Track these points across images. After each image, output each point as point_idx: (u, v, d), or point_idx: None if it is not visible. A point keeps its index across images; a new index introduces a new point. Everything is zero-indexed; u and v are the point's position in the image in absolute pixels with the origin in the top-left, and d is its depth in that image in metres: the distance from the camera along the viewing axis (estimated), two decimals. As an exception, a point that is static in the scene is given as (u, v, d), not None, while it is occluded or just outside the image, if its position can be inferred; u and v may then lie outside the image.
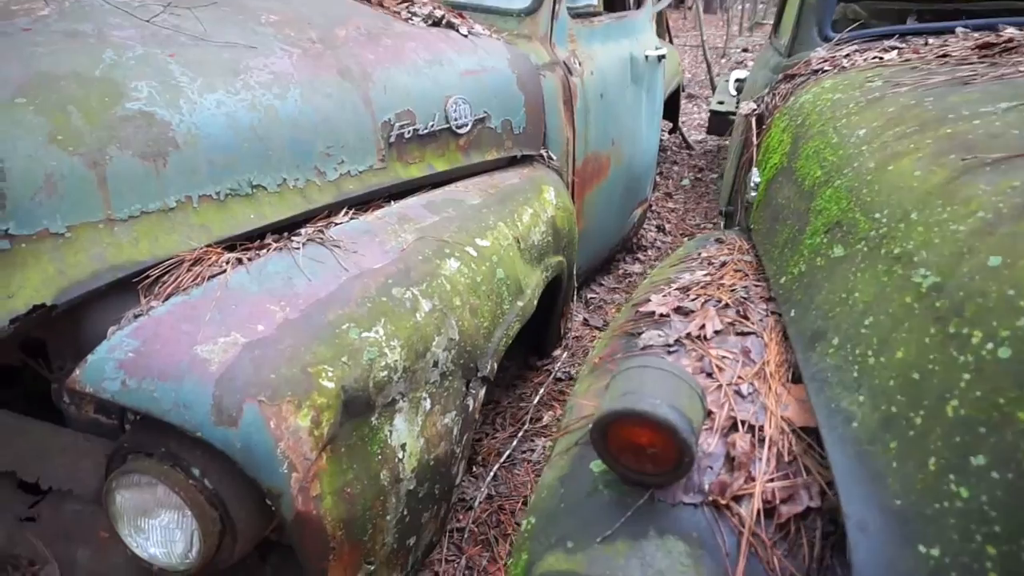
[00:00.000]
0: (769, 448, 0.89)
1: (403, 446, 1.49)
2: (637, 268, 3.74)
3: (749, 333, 1.14)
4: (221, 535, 1.28)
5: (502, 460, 2.25)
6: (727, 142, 6.17)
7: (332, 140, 1.74)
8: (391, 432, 1.46)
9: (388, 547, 1.51)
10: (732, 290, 1.30)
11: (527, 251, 2.05)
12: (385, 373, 1.42)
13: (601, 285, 3.50)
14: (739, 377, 1.02)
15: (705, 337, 1.15)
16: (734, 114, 4.10)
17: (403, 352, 1.46)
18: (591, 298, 3.37)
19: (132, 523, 1.30)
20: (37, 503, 1.57)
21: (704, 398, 0.88)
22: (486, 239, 1.86)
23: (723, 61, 10.73)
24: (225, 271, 1.41)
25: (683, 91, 5.81)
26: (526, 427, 2.41)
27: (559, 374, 2.71)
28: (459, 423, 1.69)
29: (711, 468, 0.90)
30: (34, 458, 1.54)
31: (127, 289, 1.38)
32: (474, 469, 2.22)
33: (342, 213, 1.73)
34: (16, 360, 1.30)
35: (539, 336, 2.67)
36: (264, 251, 1.51)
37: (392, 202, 1.88)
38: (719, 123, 4.34)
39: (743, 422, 0.93)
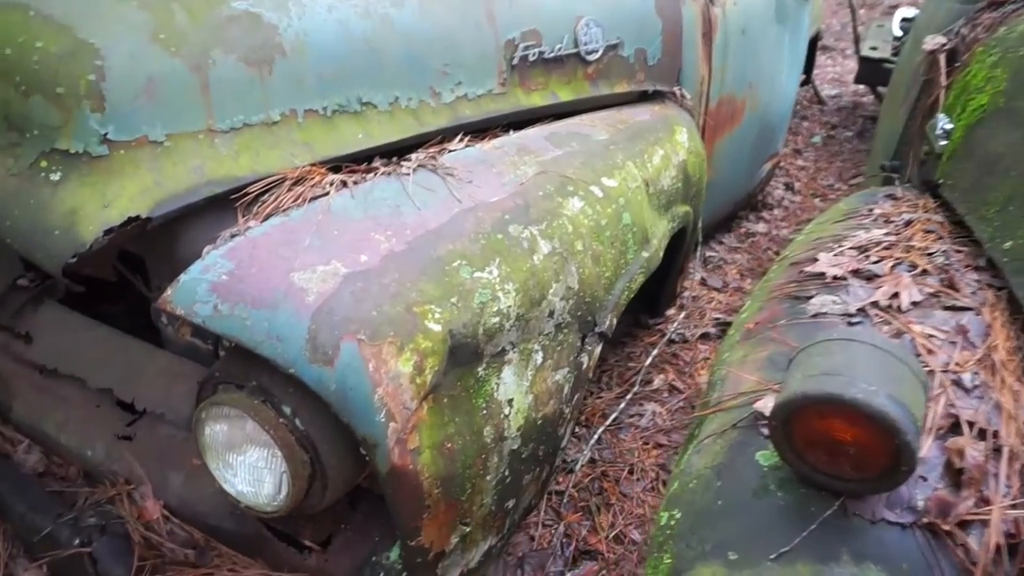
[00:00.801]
0: (1010, 462, 0.66)
1: (510, 401, 1.34)
2: (761, 228, 3.42)
3: (963, 308, 0.90)
4: (311, 479, 1.17)
5: (607, 423, 2.08)
6: (864, 98, 5.58)
7: (450, 57, 1.56)
8: (498, 385, 1.31)
9: (485, 508, 1.37)
10: (928, 254, 1.05)
11: (655, 196, 1.83)
12: (497, 319, 1.25)
13: (721, 243, 3.21)
14: (957, 364, 0.79)
15: (900, 308, 0.92)
16: (890, 61, 3.63)
17: (517, 297, 1.29)
18: (710, 256, 3.10)
19: (220, 457, 1.22)
20: (134, 422, 1.53)
21: (928, 388, 0.66)
22: (613, 179, 1.65)
23: (862, 12, 9.77)
24: (328, 193, 1.27)
25: (820, 40, 5.26)
26: (635, 389, 2.22)
27: (673, 335, 2.49)
28: (571, 381, 1.52)
29: (924, 480, 0.68)
30: (131, 377, 1.49)
31: (225, 206, 1.27)
32: (576, 430, 2.06)
33: (456, 140, 1.56)
34: (114, 275, 1.23)
35: (654, 292, 2.44)
36: (371, 175, 1.37)
37: (511, 131, 1.69)
38: (871, 72, 3.86)
39: (970, 423, 0.70)
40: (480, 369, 1.27)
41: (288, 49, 1.34)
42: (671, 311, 2.60)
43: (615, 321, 1.61)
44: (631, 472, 1.91)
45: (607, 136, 1.78)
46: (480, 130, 1.65)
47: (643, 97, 2.12)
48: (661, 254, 1.82)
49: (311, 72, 1.37)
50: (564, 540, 1.72)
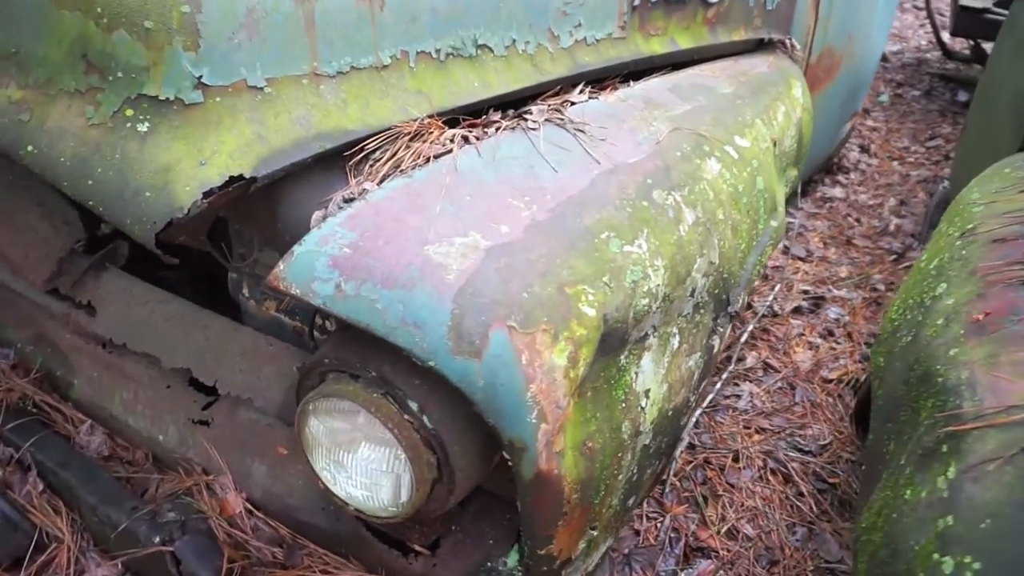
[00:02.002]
0: None
1: (647, 392, 1.17)
2: (839, 192, 3.20)
3: None
4: (434, 482, 1.02)
5: (704, 405, 1.92)
6: (929, 54, 5.26)
7: (570, -5, 1.36)
8: (637, 375, 1.14)
9: (612, 509, 1.22)
10: None
11: (779, 158, 1.63)
12: (646, 301, 1.08)
13: (800, 209, 3.01)
14: None
15: None
16: (989, 11, 3.35)
17: (666, 275, 1.12)
18: (789, 223, 2.90)
19: (329, 456, 1.06)
20: (211, 405, 1.39)
21: None
22: (745, 138, 1.46)
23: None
24: (451, 151, 1.09)
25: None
26: (730, 368, 2.05)
27: (763, 310, 2.31)
28: (700, 367, 1.35)
29: None
30: (206, 356, 1.34)
31: (330, 164, 1.09)
32: (672, 413, 1.90)
33: (577, 90, 1.36)
34: (197, 243, 1.07)
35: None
36: (492, 129, 1.18)
37: (631, 82, 1.49)
38: (970, 22, 3.58)
39: None
40: (622, 357, 1.10)
41: (404, -20, 1.14)
42: (756, 282, 2.42)
43: (746, 299, 1.44)
44: (736, 459, 1.76)
45: (731, 89, 1.57)
46: (598, 80, 1.45)
47: (757, 46, 1.90)
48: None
49: (426, 7, 1.17)
50: (672, 535, 1.57)
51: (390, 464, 1.02)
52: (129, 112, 1.01)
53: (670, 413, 1.27)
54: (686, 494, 1.68)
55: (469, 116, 1.23)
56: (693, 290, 1.22)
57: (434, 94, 1.18)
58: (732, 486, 1.68)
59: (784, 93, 1.76)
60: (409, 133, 1.11)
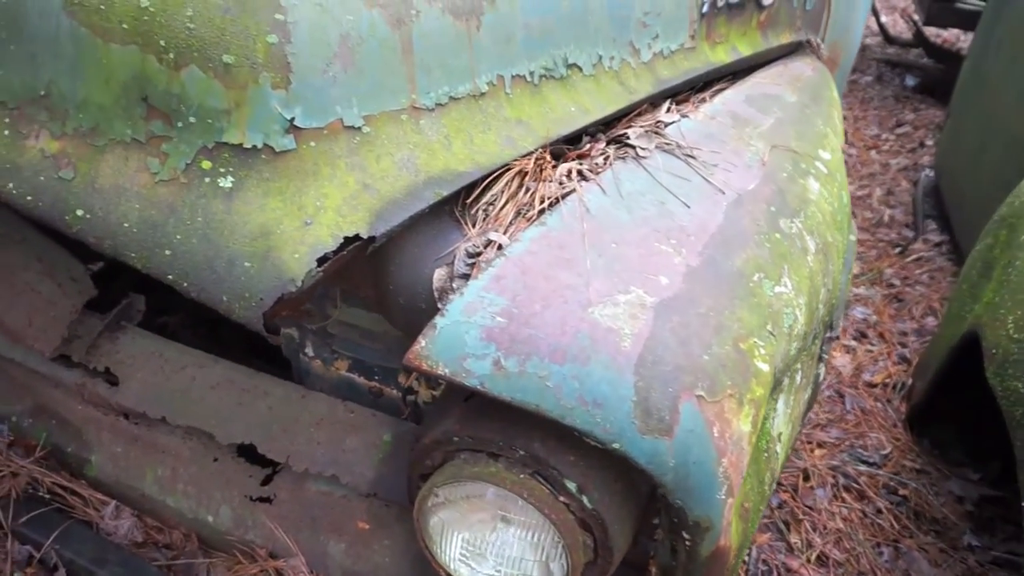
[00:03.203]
0: None
1: (779, 436, 1.08)
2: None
3: None
4: (587, 565, 0.91)
5: (758, 422, 1.85)
6: (868, 39, 5.40)
7: (652, 3, 1.24)
8: (773, 419, 1.05)
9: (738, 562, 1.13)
10: None
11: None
12: (797, 344, 0.99)
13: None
14: None
15: None
16: (964, 1, 3.41)
17: (805, 312, 1.03)
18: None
19: (463, 544, 0.93)
20: (271, 479, 1.21)
21: None
22: (826, 150, 1.38)
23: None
24: (574, 190, 0.96)
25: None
26: (774, 381, 1.99)
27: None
28: (808, 398, 1.27)
29: None
30: (279, 430, 1.17)
31: (436, 210, 0.95)
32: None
33: (664, 109, 1.25)
34: (296, 313, 0.91)
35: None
36: (601, 159, 1.06)
37: (705, 95, 1.39)
38: (944, 12, 3.63)
39: None
40: (767, 404, 1.01)
41: (496, -6, 1.00)
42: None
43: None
44: (806, 478, 1.70)
45: (796, 98, 1.50)
46: (674, 94, 1.34)
47: (793, 49, 1.84)
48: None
49: (520, 25, 1.04)
50: (763, 568, 1.50)
51: (541, 551, 0.90)
52: (206, 164, 0.84)
53: (787, 452, 1.19)
54: (766, 520, 1.61)
55: (568, 144, 1.10)
56: (818, 322, 1.14)
57: (534, 122, 1.04)
58: (810, 508, 1.62)
59: (831, 97, 1.70)
60: (519, 170, 0.97)
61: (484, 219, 0.93)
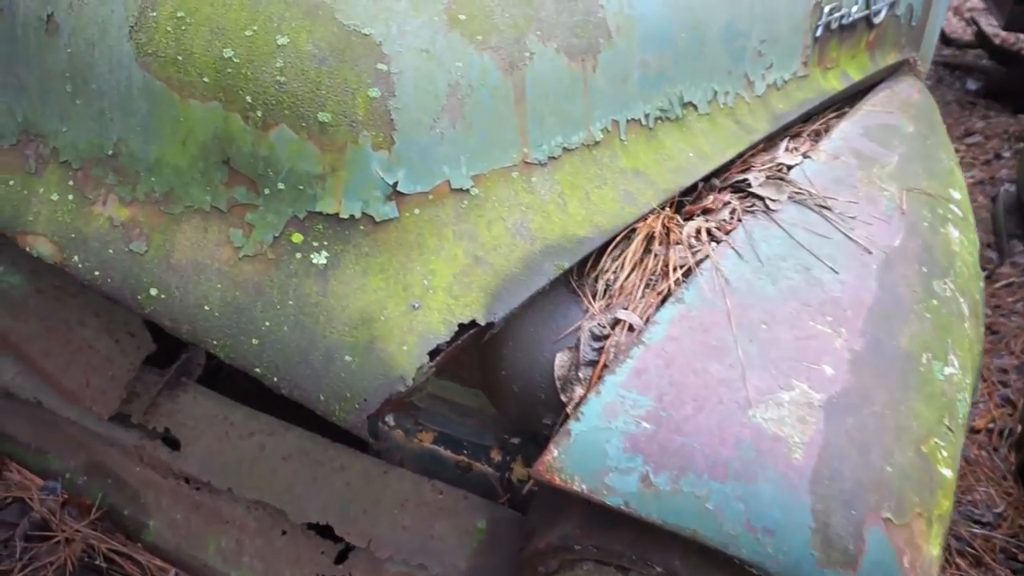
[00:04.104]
0: None
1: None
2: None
3: None
4: None
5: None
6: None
7: (767, 29, 1.11)
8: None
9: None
10: None
11: (961, 201, 1.42)
12: (963, 437, 0.85)
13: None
14: None
15: None
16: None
17: (970, 392, 0.89)
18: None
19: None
20: (346, 556, 1.10)
21: None
22: (955, 188, 1.24)
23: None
24: (707, 256, 0.84)
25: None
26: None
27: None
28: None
29: None
30: (358, 510, 1.06)
31: (552, 281, 0.83)
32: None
33: (783, 148, 1.12)
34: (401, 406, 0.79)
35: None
36: (727, 213, 0.93)
37: (814, 126, 1.25)
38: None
39: None
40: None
41: (614, 29, 0.88)
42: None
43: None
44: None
45: (913, 128, 1.35)
46: (786, 128, 1.21)
47: (895, 69, 1.68)
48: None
49: (637, 63, 0.91)
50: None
51: None
52: (297, 238, 0.73)
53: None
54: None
55: (686, 195, 0.97)
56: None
57: (651, 172, 0.92)
58: (921, 577, 1.46)
59: (940, 122, 1.55)
60: (644, 232, 0.85)
61: (607, 292, 0.81)
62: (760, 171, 1.03)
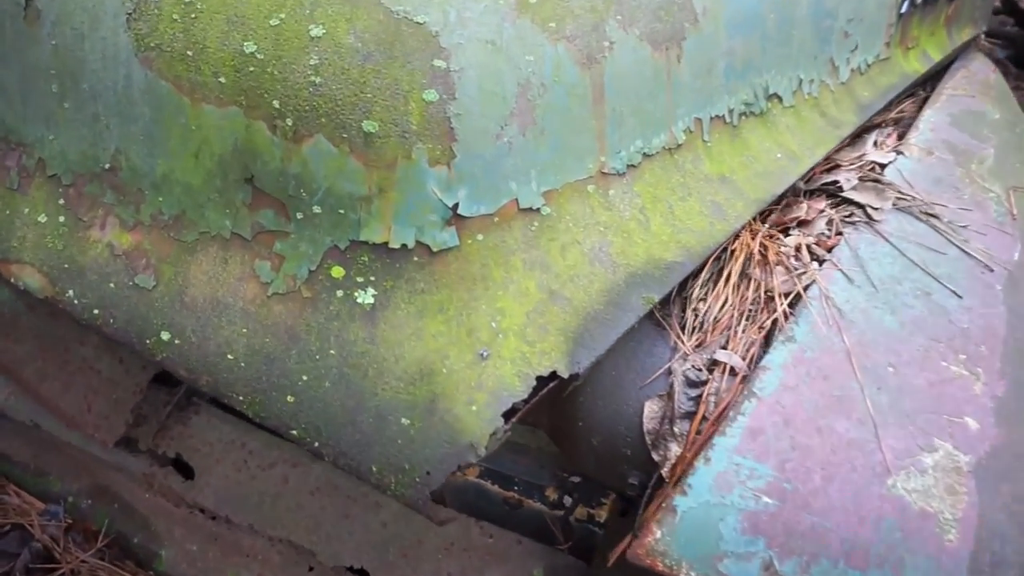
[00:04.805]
0: None
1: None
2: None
3: None
4: None
5: None
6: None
7: (855, 6, 0.97)
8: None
9: None
10: None
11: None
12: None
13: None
14: None
15: None
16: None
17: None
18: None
19: None
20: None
21: None
22: (1052, 184, 1.11)
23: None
24: (813, 281, 0.71)
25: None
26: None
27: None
28: None
29: None
30: (396, 553, 0.95)
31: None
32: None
33: (870, 142, 0.99)
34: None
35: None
36: (824, 224, 0.81)
37: (893, 113, 1.12)
38: None
39: None
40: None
41: (700, 11, 0.74)
42: None
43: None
44: None
45: (999, 114, 1.21)
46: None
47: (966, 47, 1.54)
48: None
49: (723, 51, 0.78)
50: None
51: None
52: (337, 272, 0.60)
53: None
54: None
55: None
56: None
57: (738, 178, 0.79)
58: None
59: (1017, 104, 1.41)
60: (740, 254, 0.73)
61: (698, 325, 0.69)
62: (850, 171, 0.90)
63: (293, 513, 1.00)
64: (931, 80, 1.29)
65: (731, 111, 0.81)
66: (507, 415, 0.57)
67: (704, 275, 0.72)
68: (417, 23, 0.59)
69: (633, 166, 0.71)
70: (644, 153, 0.72)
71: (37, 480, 1.27)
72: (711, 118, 0.79)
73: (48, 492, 1.25)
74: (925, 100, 1.19)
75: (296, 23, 0.58)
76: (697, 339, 0.67)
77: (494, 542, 0.91)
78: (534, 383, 0.58)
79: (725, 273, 0.71)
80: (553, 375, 0.59)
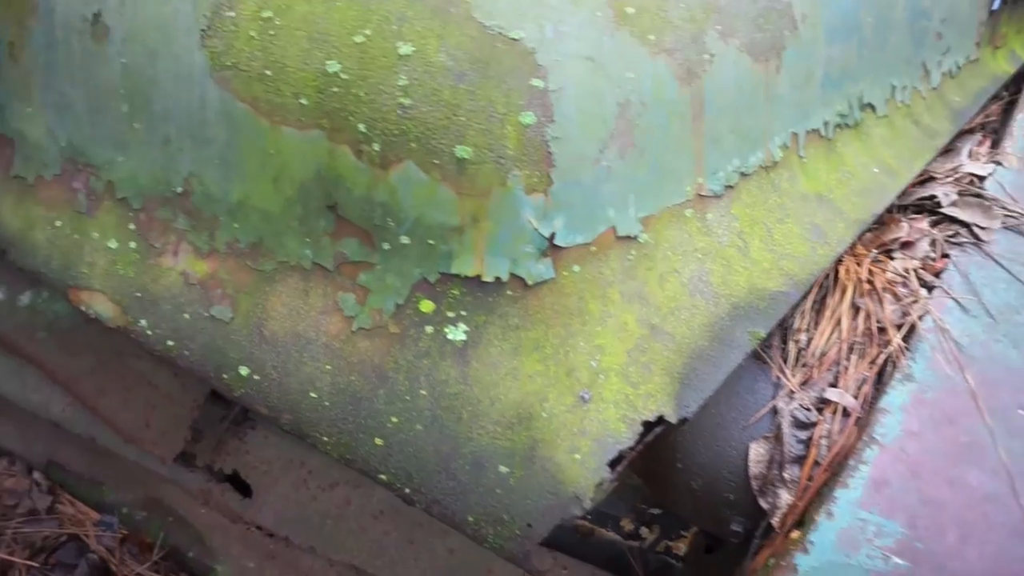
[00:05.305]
0: None
1: None
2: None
3: None
4: None
5: None
6: None
7: (948, 6, 0.91)
8: None
9: None
10: None
11: None
12: None
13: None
14: None
15: None
16: None
17: None
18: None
19: None
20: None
21: None
22: None
23: None
24: (927, 311, 0.66)
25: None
26: None
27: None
28: None
29: None
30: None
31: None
32: None
33: (965, 152, 0.93)
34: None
35: None
36: (927, 244, 0.75)
37: (982, 119, 1.06)
38: None
39: None
40: None
41: (799, 17, 0.69)
42: None
43: None
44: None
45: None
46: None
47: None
48: None
49: (821, 59, 0.73)
50: None
51: None
52: (427, 306, 0.57)
53: None
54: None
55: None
56: None
57: (836, 196, 0.74)
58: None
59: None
60: (845, 279, 0.68)
61: (801, 359, 0.64)
62: (946, 184, 0.84)
63: (355, 536, 0.97)
64: (1014, 81, 1.22)
65: (826, 124, 0.76)
66: (613, 463, 0.53)
67: (804, 303, 0.67)
68: (512, 39, 0.54)
69: (730, 187, 0.66)
70: (741, 172, 0.67)
71: (91, 490, 1.26)
72: (806, 132, 0.74)
73: (102, 502, 1.25)
74: (1011, 103, 1.13)
75: (383, 40, 0.54)
76: (803, 375, 0.63)
77: (568, 573, 0.87)
78: (640, 428, 0.54)
79: (829, 302, 0.66)
80: (660, 420, 0.55)
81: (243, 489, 1.09)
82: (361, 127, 0.54)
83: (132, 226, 0.65)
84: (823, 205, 0.72)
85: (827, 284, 0.68)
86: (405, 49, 0.54)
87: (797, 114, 0.72)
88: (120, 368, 1.06)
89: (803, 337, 0.66)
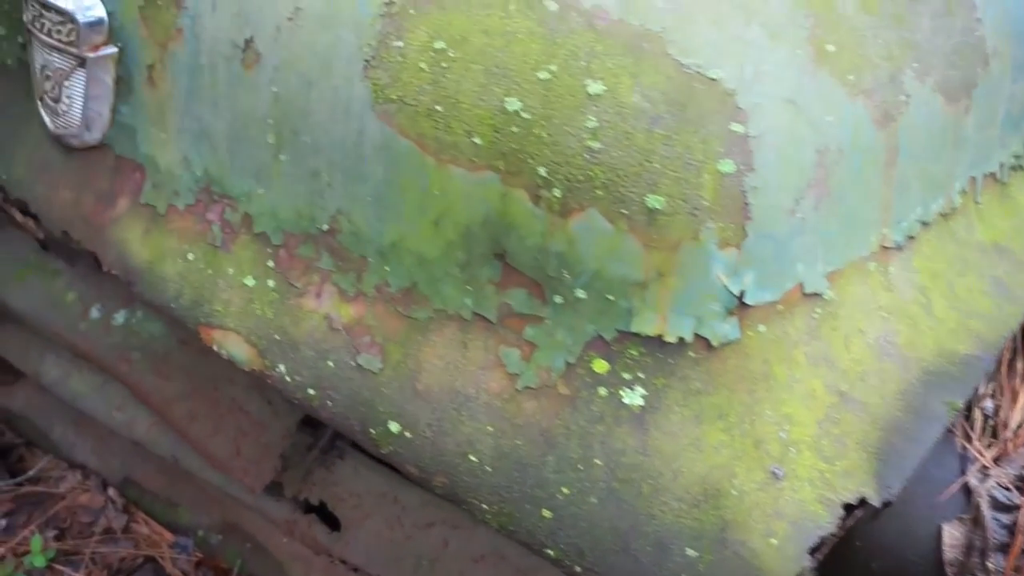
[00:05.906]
0: None
1: None
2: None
3: None
4: None
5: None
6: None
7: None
8: None
9: None
10: None
11: None
12: None
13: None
14: None
15: None
16: None
17: None
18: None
19: None
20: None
21: None
22: None
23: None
24: None
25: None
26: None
27: None
28: None
29: None
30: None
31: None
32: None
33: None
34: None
35: None
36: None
37: None
38: None
39: None
40: None
41: (991, 51, 0.64)
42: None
43: None
44: None
45: None
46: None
47: None
48: None
49: (1005, 95, 0.67)
50: None
51: None
52: (600, 366, 0.52)
53: None
54: None
55: None
56: None
57: (1014, 246, 0.68)
58: None
59: None
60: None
61: (989, 428, 0.58)
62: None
63: (431, 566, 0.93)
64: None
65: (1002, 166, 0.70)
66: (813, 550, 0.48)
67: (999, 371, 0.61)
68: (711, 79, 0.50)
69: (912, 237, 0.61)
70: (921, 221, 0.62)
71: (167, 510, 1.24)
72: (984, 176, 0.68)
73: (177, 523, 1.23)
74: None
75: (570, 77, 0.50)
76: (996, 450, 0.57)
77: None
78: (841, 511, 0.49)
79: (1018, 366, 0.60)
80: (862, 501, 0.49)
81: (330, 521, 1.05)
82: (541, 171, 0.50)
83: (271, 263, 0.61)
84: (1003, 256, 0.67)
85: (1016, 345, 0.62)
86: (595, 88, 0.50)
87: (978, 157, 0.66)
88: (212, 393, 1.03)
89: (989, 404, 0.60)
